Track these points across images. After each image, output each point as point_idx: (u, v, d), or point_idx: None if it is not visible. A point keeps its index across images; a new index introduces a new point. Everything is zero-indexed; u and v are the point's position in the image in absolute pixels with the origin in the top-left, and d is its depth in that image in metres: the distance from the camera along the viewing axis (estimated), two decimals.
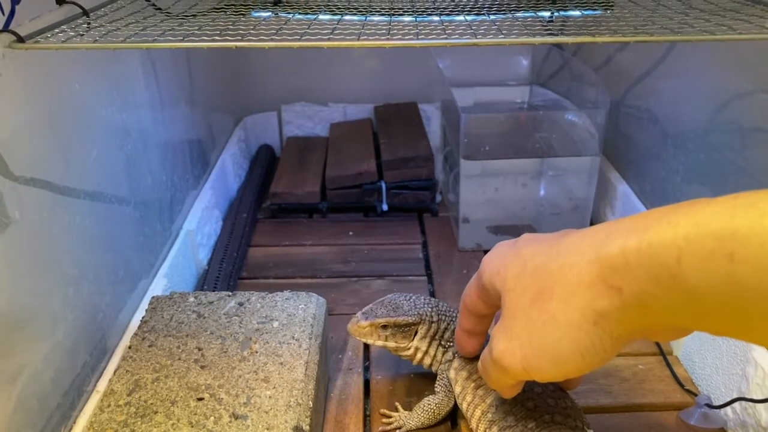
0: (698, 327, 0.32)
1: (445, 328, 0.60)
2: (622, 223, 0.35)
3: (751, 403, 0.56)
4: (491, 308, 0.48)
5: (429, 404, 0.59)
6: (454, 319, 0.61)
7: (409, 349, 0.60)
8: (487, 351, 0.44)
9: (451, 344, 0.60)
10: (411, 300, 0.61)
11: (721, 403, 0.59)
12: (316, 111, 1.21)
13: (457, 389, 0.58)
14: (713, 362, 0.62)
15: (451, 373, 0.59)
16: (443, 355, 0.60)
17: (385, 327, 0.59)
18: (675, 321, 0.33)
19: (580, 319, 0.36)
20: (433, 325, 0.60)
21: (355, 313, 0.61)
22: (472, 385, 0.56)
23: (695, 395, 0.63)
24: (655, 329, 0.36)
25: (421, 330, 0.60)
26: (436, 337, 0.60)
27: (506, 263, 0.42)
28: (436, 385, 0.60)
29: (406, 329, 0.60)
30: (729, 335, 0.31)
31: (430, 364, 0.61)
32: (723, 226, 0.28)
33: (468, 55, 1.06)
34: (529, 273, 0.40)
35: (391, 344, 0.60)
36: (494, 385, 0.45)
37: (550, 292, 0.37)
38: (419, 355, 0.61)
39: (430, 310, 0.60)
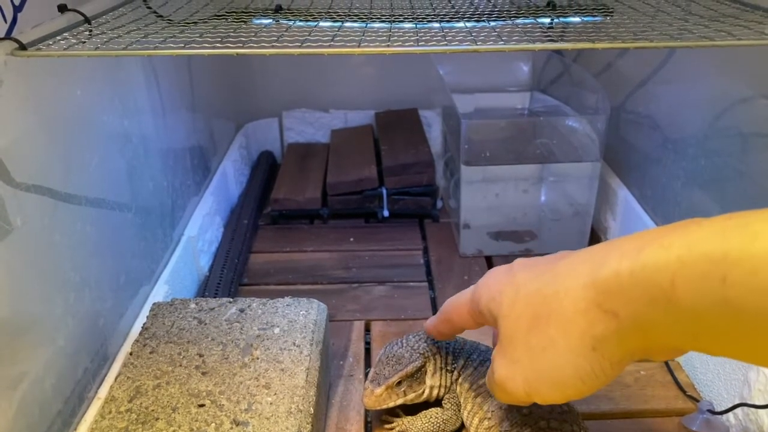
0: (696, 347, 0.32)
1: (446, 353, 0.60)
2: (615, 245, 0.35)
3: (753, 409, 0.56)
4: (480, 326, 0.49)
5: (436, 417, 0.58)
6: (449, 341, 0.61)
7: (424, 392, 0.59)
8: (490, 374, 0.44)
9: (455, 365, 0.60)
10: (405, 345, 0.60)
11: (724, 409, 0.59)
12: (317, 117, 1.22)
13: (460, 399, 0.58)
14: (715, 368, 0.62)
15: (457, 388, 0.59)
16: (450, 378, 0.60)
17: (399, 384, 0.58)
18: (672, 342, 0.33)
19: (578, 346, 0.36)
20: (437, 357, 0.59)
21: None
22: (472, 394, 0.57)
23: (697, 401, 0.63)
24: (654, 350, 0.36)
25: (430, 368, 0.59)
26: (443, 366, 0.60)
27: (501, 290, 0.42)
28: (444, 402, 0.59)
29: (418, 375, 0.58)
30: (727, 355, 0.31)
31: (444, 393, 0.60)
32: (715, 249, 0.28)
33: (468, 62, 1.06)
34: (524, 298, 0.40)
35: (410, 396, 0.58)
36: (504, 402, 0.46)
37: (547, 318, 0.38)
38: (435, 391, 0.60)
39: (425, 345, 0.59)
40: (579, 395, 0.38)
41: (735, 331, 0.28)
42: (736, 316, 0.28)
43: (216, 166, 1.02)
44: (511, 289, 0.41)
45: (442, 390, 0.60)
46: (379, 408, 0.58)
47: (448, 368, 0.60)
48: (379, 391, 0.57)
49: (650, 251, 0.31)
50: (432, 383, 0.59)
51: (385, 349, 0.60)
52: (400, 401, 0.58)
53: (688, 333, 0.31)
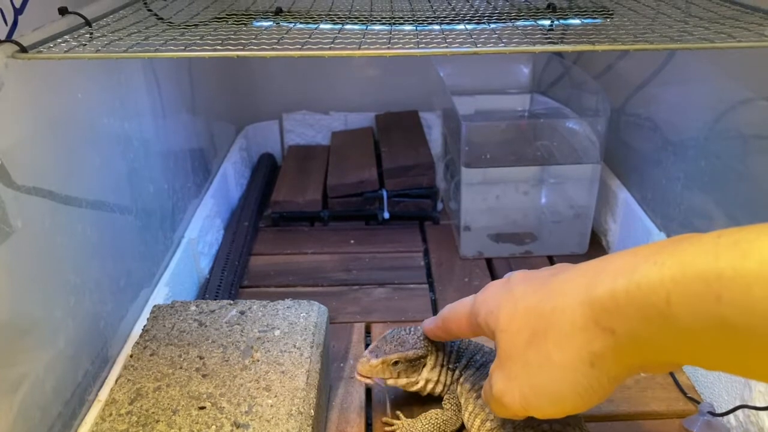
0: (692, 363, 0.33)
1: (450, 352, 0.60)
2: (610, 262, 0.35)
3: (754, 411, 0.56)
4: (477, 336, 0.49)
5: (436, 418, 0.58)
6: (455, 341, 0.61)
7: (418, 382, 0.59)
8: (487, 387, 0.45)
9: (458, 364, 0.60)
10: (412, 333, 0.60)
11: (724, 410, 0.59)
12: (317, 119, 1.22)
13: (461, 400, 0.58)
14: None
15: (458, 388, 0.59)
16: (451, 377, 0.60)
17: (396, 363, 0.58)
18: (669, 358, 0.33)
19: (576, 362, 0.36)
20: (439, 354, 0.59)
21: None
22: (474, 395, 0.56)
23: (698, 403, 0.63)
24: (651, 365, 0.36)
25: (430, 361, 0.59)
26: (444, 363, 0.60)
27: (499, 304, 0.43)
28: (444, 402, 0.59)
29: (416, 363, 0.58)
30: (723, 370, 0.31)
31: (442, 390, 0.60)
32: (708, 268, 0.28)
33: (469, 64, 1.06)
34: (522, 314, 0.40)
35: (402, 380, 0.59)
36: (499, 415, 0.46)
37: (545, 334, 0.38)
38: (430, 386, 0.60)
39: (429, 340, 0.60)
40: (576, 410, 0.39)
41: (730, 348, 0.29)
42: (731, 333, 0.28)
43: (216, 168, 1.02)
44: (509, 304, 0.42)
45: (440, 386, 0.60)
46: (369, 379, 0.58)
47: (450, 367, 0.60)
48: (375, 362, 0.57)
49: (644, 270, 0.32)
50: (429, 377, 0.59)
51: (392, 331, 0.60)
52: (390, 381, 0.58)
53: (685, 350, 0.31)
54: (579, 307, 0.36)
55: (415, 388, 0.60)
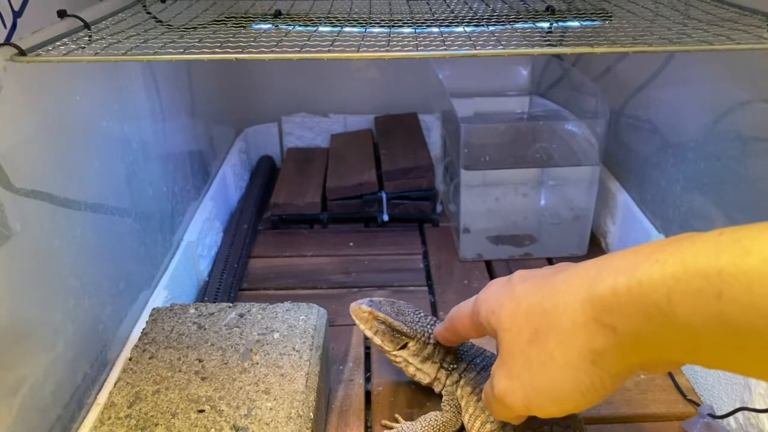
0: (693, 361, 0.33)
1: (447, 352, 0.60)
2: (612, 260, 0.35)
3: (754, 413, 0.55)
4: (482, 336, 0.50)
5: (436, 420, 0.58)
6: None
7: (396, 357, 0.61)
8: (489, 387, 0.45)
9: (456, 366, 0.60)
10: (418, 315, 0.61)
11: (724, 413, 0.59)
12: (317, 122, 1.22)
13: (462, 403, 0.58)
14: (716, 372, 0.62)
15: (458, 390, 0.59)
16: (448, 377, 0.60)
17: (381, 322, 0.60)
18: (670, 356, 0.33)
19: (578, 360, 0.36)
20: (428, 346, 0.60)
21: (354, 323, 0.62)
22: (475, 398, 0.57)
23: (698, 405, 0.63)
24: (652, 363, 0.36)
25: (412, 346, 0.60)
26: (435, 360, 0.60)
27: (501, 303, 0.43)
28: (443, 404, 0.59)
29: (397, 336, 0.60)
30: (724, 369, 0.31)
31: (433, 384, 0.61)
32: (709, 265, 0.28)
33: (468, 66, 1.06)
34: (524, 312, 0.40)
35: (377, 340, 0.61)
36: (499, 417, 0.46)
37: (546, 333, 0.38)
38: (411, 370, 0.61)
39: (427, 329, 0.60)
40: (578, 408, 0.39)
41: (731, 346, 0.29)
42: (731, 331, 0.28)
43: (216, 170, 1.02)
44: (510, 303, 0.42)
45: (426, 378, 0.61)
46: (353, 319, 0.61)
47: (445, 366, 0.60)
48: (365, 308, 0.61)
49: (646, 268, 0.32)
50: (410, 361, 0.60)
51: (406, 304, 0.62)
52: (369, 333, 0.61)
53: (685, 348, 0.31)
54: (580, 305, 0.36)
55: (395, 362, 0.62)
